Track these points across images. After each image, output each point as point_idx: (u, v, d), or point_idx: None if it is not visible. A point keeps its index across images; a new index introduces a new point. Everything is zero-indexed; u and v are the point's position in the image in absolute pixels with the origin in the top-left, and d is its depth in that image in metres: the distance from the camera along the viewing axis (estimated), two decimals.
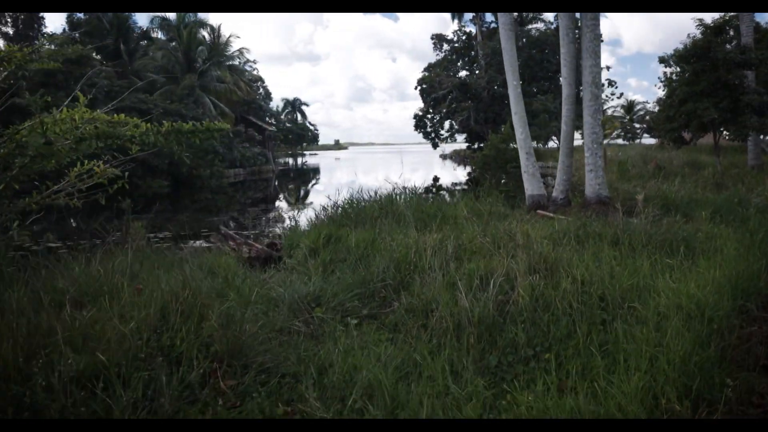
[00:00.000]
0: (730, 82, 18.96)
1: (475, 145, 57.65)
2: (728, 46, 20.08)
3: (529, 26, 55.53)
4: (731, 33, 21.36)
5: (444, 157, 74.69)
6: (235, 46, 50.34)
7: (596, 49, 10.99)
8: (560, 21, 11.88)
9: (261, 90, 70.37)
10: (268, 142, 52.17)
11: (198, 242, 9.76)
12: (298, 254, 7.75)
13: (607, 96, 61.71)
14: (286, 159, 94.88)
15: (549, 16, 68.66)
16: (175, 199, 31.05)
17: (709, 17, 20.32)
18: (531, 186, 12.41)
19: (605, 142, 54.49)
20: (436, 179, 14.68)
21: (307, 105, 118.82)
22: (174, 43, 43.54)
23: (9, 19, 43.81)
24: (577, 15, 11.72)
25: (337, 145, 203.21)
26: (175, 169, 34.70)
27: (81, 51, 31.70)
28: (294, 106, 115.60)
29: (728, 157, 27.94)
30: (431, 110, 56.59)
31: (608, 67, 65.43)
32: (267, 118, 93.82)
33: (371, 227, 8.83)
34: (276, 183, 43.71)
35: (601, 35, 11.27)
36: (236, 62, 54.60)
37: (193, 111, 37.00)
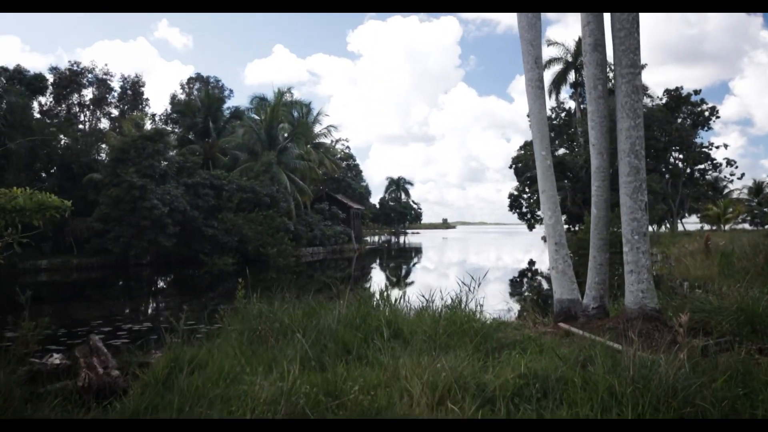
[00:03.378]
0: None
1: (575, 227, 53.43)
2: None
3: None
4: None
5: (544, 239, 70.56)
6: (326, 124, 50.46)
7: (635, 106, 8.06)
8: (586, 69, 9.05)
9: (350, 167, 70.09)
10: (353, 221, 50.90)
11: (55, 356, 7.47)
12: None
13: (726, 176, 55.86)
14: (386, 237, 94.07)
15: (657, 90, 64.38)
16: (241, 277, 29.87)
17: None
18: (560, 288, 9.33)
19: (727, 227, 48.52)
20: (531, 263, 11.86)
21: (411, 184, 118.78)
22: (261, 119, 44.04)
23: (115, 100, 46.22)
24: (610, 61, 8.87)
25: (445, 224, 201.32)
26: (243, 246, 33.91)
27: (157, 129, 32.16)
28: (398, 184, 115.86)
29: None
30: (527, 189, 53.45)
31: (726, 145, 59.38)
32: (366, 197, 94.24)
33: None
34: (356, 262, 41.85)
35: (642, 87, 8.29)
36: (327, 141, 54.75)
37: (269, 188, 36.41)
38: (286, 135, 42.49)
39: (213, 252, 33.06)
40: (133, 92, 46.43)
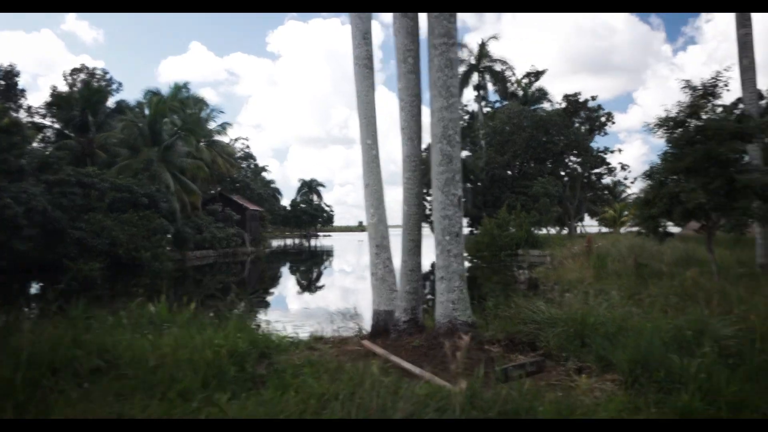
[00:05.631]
0: (723, 157, 14.46)
1: (477, 230, 53.37)
2: (720, 111, 15.70)
3: (534, 106, 52.12)
4: (722, 96, 16.94)
5: None
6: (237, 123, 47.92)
7: (449, 83, 6.79)
8: (395, 39, 7.74)
9: (249, 167, 67.24)
10: (250, 223, 48.58)
11: None
12: None
13: (622, 181, 57.39)
14: (295, 240, 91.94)
15: (556, 96, 65.47)
16: (111, 283, 27.21)
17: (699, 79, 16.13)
18: (379, 297, 7.99)
19: (622, 230, 49.58)
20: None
21: (323, 186, 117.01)
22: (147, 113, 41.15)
23: None
24: (424, 33, 7.63)
25: (361, 227, 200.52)
26: (115, 250, 31.15)
27: (12, 120, 28.84)
28: (310, 186, 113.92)
29: (738, 251, 23.00)
30: (427, 190, 52.89)
31: (620, 150, 61.21)
32: (277, 198, 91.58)
33: None
34: (253, 266, 39.63)
35: (458, 61, 7.02)
36: (225, 139, 52.17)
37: (147, 187, 33.72)
38: (171, 133, 39.75)
39: (80, 256, 30.13)
40: (7, 83, 42.53)
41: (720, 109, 16.63)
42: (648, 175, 16.50)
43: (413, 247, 7.55)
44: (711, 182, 14.43)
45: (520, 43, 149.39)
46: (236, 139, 59.07)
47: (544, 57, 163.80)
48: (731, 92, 43.06)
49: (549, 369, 6.56)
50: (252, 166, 67.54)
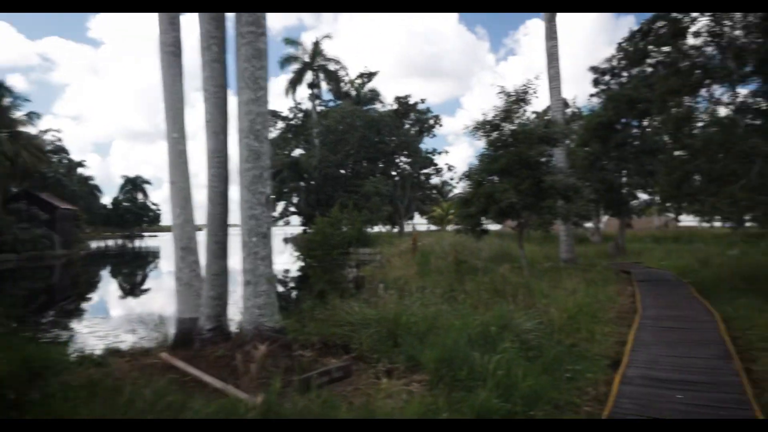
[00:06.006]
0: (532, 160, 15.54)
1: (310, 229, 53.18)
2: (531, 117, 16.87)
3: (367, 106, 53.07)
4: (532, 102, 18.24)
5: (287, 241, 69.31)
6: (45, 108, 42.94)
7: (257, 75, 6.37)
8: (199, 26, 7.21)
9: (62, 162, 61.28)
10: (61, 223, 44.18)
11: None
12: None
13: (449, 181, 60.38)
14: (118, 241, 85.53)
15: (389, 98, 67.38)
16: None
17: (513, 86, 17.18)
18: (183, 304, 7.37)
19: (449, 227, 52.09)
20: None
21: (149, 183, 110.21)
22: None
23: None
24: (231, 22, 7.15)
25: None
26: None
27: None
28: (135, 183, 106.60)
29: (547, 247, 24.99)
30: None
31: (447, 151, 64.40)
32: (98, 195, 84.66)
33: None
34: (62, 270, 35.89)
35: (266, 51, 6.60)
36: (32, 131, 46.89)
37: None
38: None
39: None
40: None
41: (533, 115, 17.90)
42: (467, 175, 17.26)
43: (218, 250, 7.01)
44: (521, 183, 15.41)
45: (357, 45, 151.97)
46: (46, 131, 53.50)
47: (380, 59, 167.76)
48: (540, 99, 46.94)
49: (358, 372, 6.39)
50: (65, 160, 61.58)
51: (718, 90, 15.35)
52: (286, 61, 50.94)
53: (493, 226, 18.65)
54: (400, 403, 5.10)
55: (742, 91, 15.04)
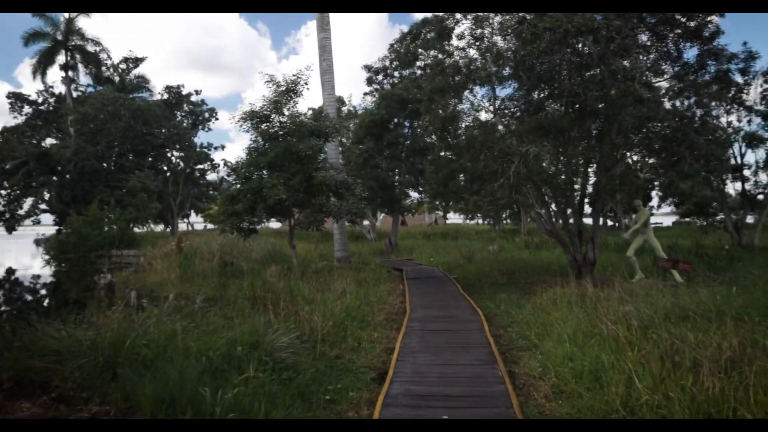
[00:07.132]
0: (302, 154, 14.65)
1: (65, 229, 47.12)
2: (309, 113, 16.04)
3: (134, 94, 48.50)
4: (303, 94, 17.46)
5: (38, 243, 60.86)
6: None
7: None
8: None
9: None
10: None
11: None
12: None
13: (226, 177, 57.80)
14: None
15: (160, 87, 62.55)
16: None
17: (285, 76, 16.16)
18: None
19: (210, 226, 49.67)
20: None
21: None
22: None
23: None
24: None
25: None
26: None
27: None
28: None
29: (322, 245, 24.50)
30: (5, 183, 44.57)
31: (224, 147, 61.88)
32: None
33: None
34: None
35: None
36: None
37: None
38: None
39: None
40: None
41: (310, 111, 17.05)
42: (233, 169, 15.88)
43: None
44: (292, 178, 14.45)
45: (129, 31, 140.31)
46: None
47: (156, 49, 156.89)
48: (316, 95, 46.82)
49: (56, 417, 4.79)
50: None
51: (480, 92, 15.88)
52: (32, 37, 44.45)
53: (275, 224, 17.56)
54: None
55: (501, 94, 15.73)
